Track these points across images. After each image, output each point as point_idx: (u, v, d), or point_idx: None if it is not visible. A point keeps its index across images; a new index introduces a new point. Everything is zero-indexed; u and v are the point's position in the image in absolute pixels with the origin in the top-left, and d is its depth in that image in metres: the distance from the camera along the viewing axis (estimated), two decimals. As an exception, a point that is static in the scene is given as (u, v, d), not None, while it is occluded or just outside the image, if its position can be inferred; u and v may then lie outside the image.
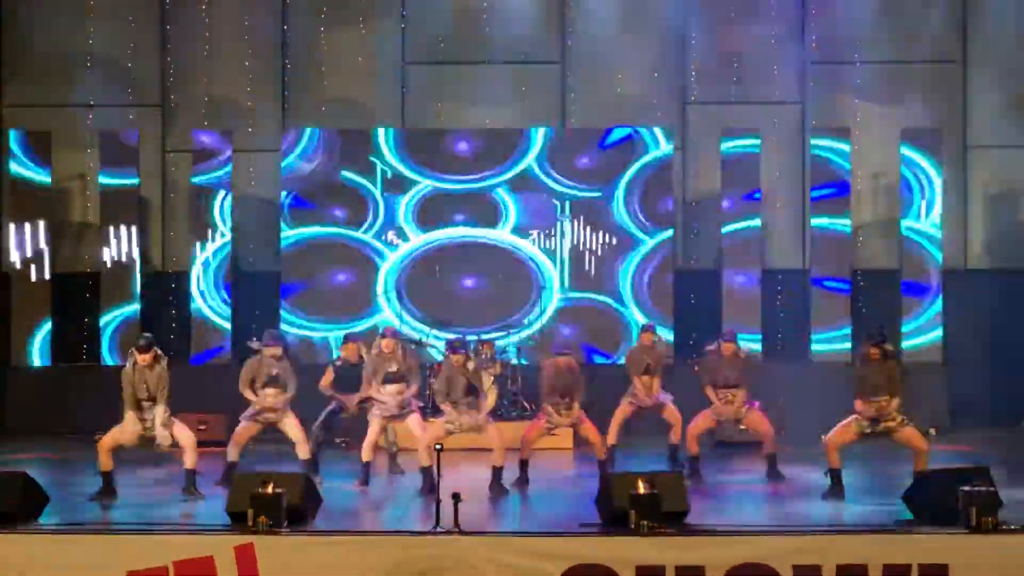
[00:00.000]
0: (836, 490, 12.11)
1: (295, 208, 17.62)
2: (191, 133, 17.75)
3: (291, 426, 12.80)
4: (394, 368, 13.00)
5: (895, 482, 12.07)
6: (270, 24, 18.38)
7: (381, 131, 17.69)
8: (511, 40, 18.21)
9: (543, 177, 17.60)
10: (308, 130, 17.72)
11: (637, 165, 17.56)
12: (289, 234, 17.59)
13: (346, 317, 17.42)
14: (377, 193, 17.58)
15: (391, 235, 17.56)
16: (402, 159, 17.63)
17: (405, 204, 17.60)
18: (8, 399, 17.42)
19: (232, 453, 12.82)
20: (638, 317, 17.20)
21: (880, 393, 12.11)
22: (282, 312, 17.48)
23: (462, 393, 12.61)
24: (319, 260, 17.61)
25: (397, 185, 17.58)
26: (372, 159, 17.54)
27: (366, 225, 17.61)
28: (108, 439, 12.20)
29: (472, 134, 17.81)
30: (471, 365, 12.79)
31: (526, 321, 17.29)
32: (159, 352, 12.23)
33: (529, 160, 17.60)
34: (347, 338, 14.10)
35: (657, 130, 17.63)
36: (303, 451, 12.80)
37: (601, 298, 17.56)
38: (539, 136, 17.61)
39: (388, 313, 17.40)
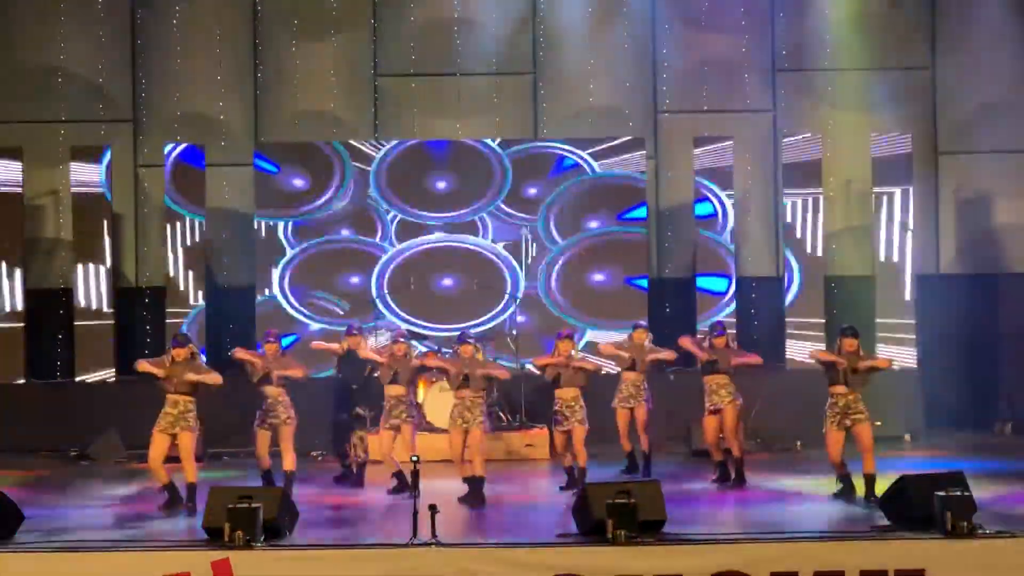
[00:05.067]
0: (848, 492, 12.31)
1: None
2: (163, 147, 17.70)
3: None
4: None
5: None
6: (241, 38, 18.34)
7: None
8: (483, 51, 18.25)
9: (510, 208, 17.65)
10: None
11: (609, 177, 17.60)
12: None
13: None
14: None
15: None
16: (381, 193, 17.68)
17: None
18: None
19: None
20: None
21: (847, 384, 12.31)
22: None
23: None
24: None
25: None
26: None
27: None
28: (155, 455, 12.18)
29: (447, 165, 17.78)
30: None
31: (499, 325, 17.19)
32: (195, 349, 12.53)
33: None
34: (350, 330, 14.11)
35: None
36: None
37: (568, 313, 17.52)
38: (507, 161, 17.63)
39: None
